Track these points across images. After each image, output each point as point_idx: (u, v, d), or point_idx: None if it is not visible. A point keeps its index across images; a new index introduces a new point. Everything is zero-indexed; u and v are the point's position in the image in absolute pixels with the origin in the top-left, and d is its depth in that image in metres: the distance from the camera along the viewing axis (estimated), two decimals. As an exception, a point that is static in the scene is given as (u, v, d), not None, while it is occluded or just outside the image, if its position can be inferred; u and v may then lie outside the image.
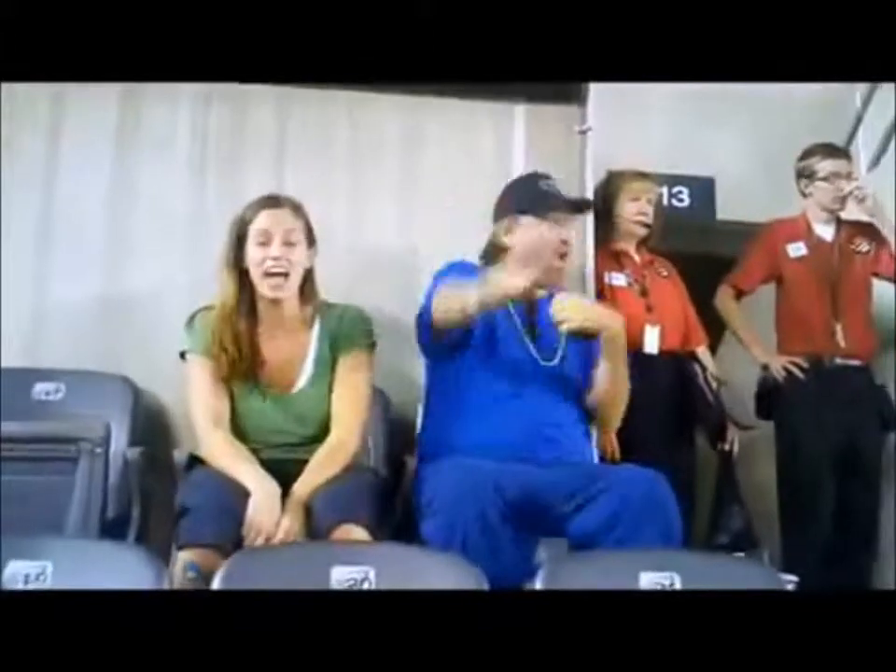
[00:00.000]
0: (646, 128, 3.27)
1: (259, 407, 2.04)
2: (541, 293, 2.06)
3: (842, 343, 2.83)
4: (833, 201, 2.93)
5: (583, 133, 2.82)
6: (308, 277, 2.09)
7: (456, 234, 2.57)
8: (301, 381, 2.06)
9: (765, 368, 2.89)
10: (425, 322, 2.11)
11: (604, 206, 2.87)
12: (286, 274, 2.02)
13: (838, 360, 2.84)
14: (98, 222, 2.68)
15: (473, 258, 2.28)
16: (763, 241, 3.00)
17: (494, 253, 2.23)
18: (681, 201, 3.30)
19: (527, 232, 2.17)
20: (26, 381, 2.39)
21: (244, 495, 1.86)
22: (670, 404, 2.74)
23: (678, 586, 1.60)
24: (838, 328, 2.84)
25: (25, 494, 1.90)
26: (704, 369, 2.79)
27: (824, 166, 2.92)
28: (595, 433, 2.32)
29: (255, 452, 2.00)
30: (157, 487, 2.15)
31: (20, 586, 1.47)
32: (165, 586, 1.54)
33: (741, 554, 2.41)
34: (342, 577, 1.54)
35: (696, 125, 3.30)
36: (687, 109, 3.27)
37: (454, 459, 1.93)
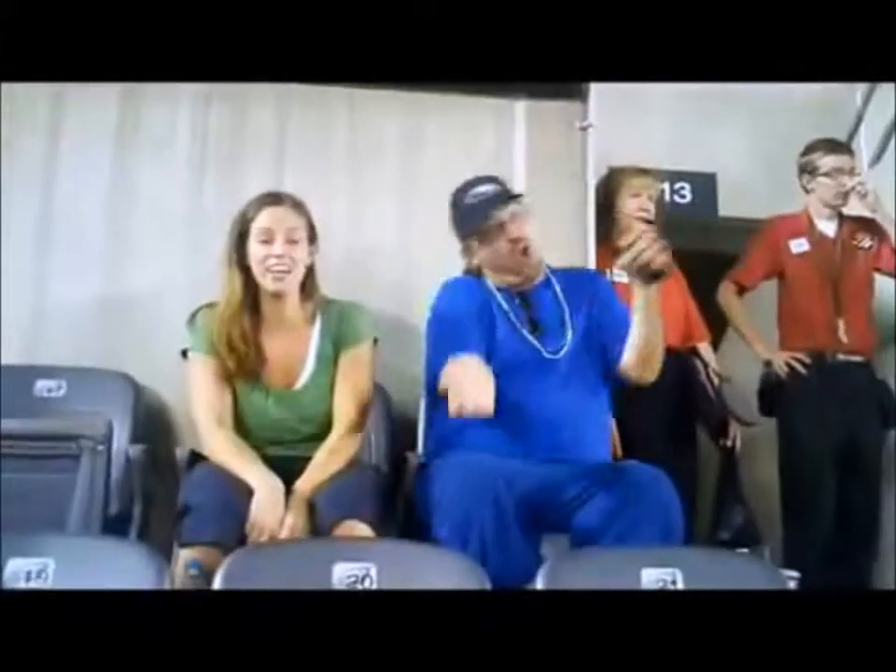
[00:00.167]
0: (647, 124, 3.27)
1: (262, 404, 2.04)
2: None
3: (844, 339, 2.83)
4: (836, 196, 2.93)
5: (584, 129, 2.82)
6: (309, 274, 2.10)
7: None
8: (304, 377, 2.06)
9: (768, 364, 2.89)
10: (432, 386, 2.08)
11: (605, 203, 2.87)
12: (288, 271, 2.02)
13: (840, 356, 2.83)
14: (98, 222, 2.68)
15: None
16: (765, 237, 2.99)
17: (473, 273, 2.23)
18: (683, 197, 3.30)
19: (482, 252, 2.18)
20: (27, 378, 2.40)
21: (246, 492, 1.86)
22: (672, 401, 2.74)
23: (680, 583, 1.60)
24: (840, 323, 2.84)
25: (26, 491, 1.91)
26: (706, 365, 2.79)
27: (826, 162, 2.92)
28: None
29: (258, 449, 2.00)
30: (158, 485, 2.16)
31: (21, 583, 1.47)
32: (167, 583, 1.54)
33: (743, 551, 2.41)
34: (343, 574, 1.54)
35: (698, 121, 3.30)
36: (689, 105, 3.27)
37: (460, 457, 1.93)
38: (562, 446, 2.03)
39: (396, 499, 2.05)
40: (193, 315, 2.09)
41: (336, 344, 2.08)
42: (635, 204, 2.88)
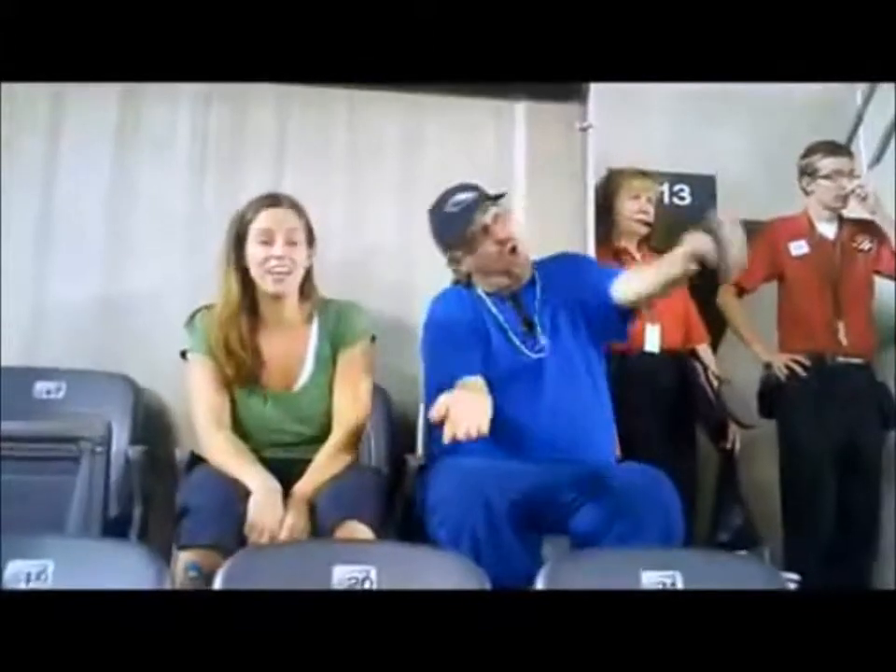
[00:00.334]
0: (647, 126, 3.26)
1: (261, 407, 2.04)
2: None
3: (844, 342, 2.83)
4: (836, 199, 2.93)
5: (584, 130, 2.82)
6: (307, 276, 2.09)
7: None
8: (302, 379, 2.06)
9: (767, 366, 2.89)
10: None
11: (605, 204, 2.87)
12: (288, 273, 2.02)
13: (840, 358, 2.83)
14: (98, 222, 2.68)
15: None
16: (765, 239, 2.99)
17: (463, 280, 2.23)
18: (682, 199, 3.29)
19: (469, 259, 2.17)
20: (27, 380, 2.39)
21: (244, 494, 1.86)
22: (671, 403, 2.74)
23: (679, 585, 1.60)
24: (840, 326, 2.83)
25: (26, 493, 1.91)
26: (705, 367, 2.79)
27: (826, 164, 2.92)
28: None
29: (257, 452, 2.00)
30: (158, 486, 2.15)
31: (21, 585, 1.47)
32: (167, 585, 1.54)
33: (742, 553, 2.41)
34: (343, 576, 1.54)
35: (697, 123, 3.29)
36: (688, 107, 3.27)
37: (454, 461, 1.93)
38: (562, 448, 2.02)
39: (395, 501, 2.05)
40: (192, 317, 2.08)
41: (334, 344, 2.08)
42: (634, 206, 2.89)
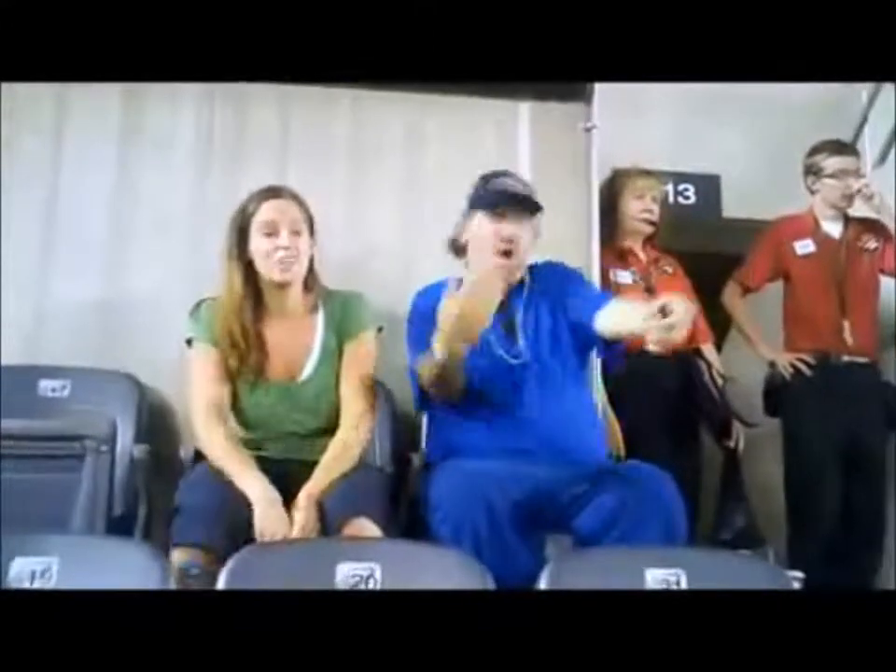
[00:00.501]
0: (651, 125, 3.27)
1: (266, 398, 2.03)
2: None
3: (849, 341, 2.83)
4: (841, 198, 2.93)
5: (588, 130, 2.82)
6: (311, 266, 2.10)
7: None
8: (308, 370, 2.05)
9: (772, 365, 2.89)
10: (416, 384, 2.10)
11: (609, 204, 2.87)
12: (295, 262, 2.02)
13: (845, 357, 2.83)
14: (101, 221, 2.68)
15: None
16: (770, 238, 2.99)
17: (455, 250, 2.26)
18: (687, 198, 3.30)
19: (472, 229, 2.20)
20: (31, 378, 2.40)
21: (239, 495, 1.85)
22: (675, 402, 2.74)
23: (684, 583, 1.60)
24: (846, 325, 2.83)
25: (31, 491, 1.90)
26: (709, 366, 2.79)
27: (832, 163, 2.92)
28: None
29: (259, 449, 2.00)
30: (162, 485, 2.15)
31: (26, 583, 1.48)
32: (171, 583, 1.54)
33: (745, 552, 2.40)
34: (347, 573, 1.54)
35: (702, 123, 3.29)
36: (692, 107, 3.27)
37: (455, 463, 1.94)
38: (544, 449, 2.02)
39: (399, 500, 2.04)
40: (197, 306, 2.08)
41: (339, 335, 2.08)
42: (638, 206, 2.89)
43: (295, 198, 2.08)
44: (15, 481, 1.89)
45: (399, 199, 2.79)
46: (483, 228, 2.18)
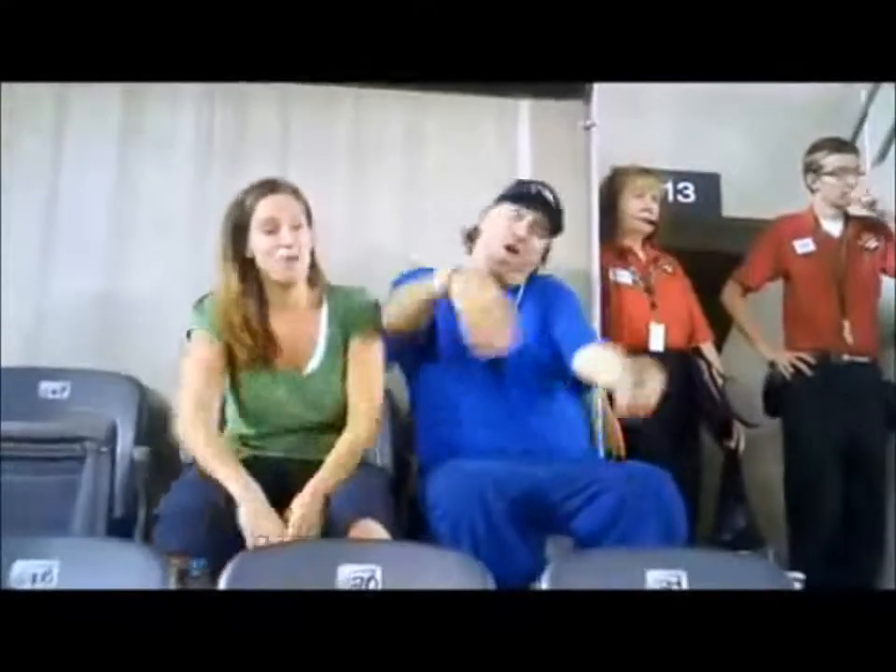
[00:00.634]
0: (651, 124, 3.26)
1: (272, 388, 2.00)
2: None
3: (849, 340, 2.83)
4: (841, 196, 2.92)
5: (588, 129, 2.82)
6: (313, 260, 2.05)
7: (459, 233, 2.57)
8: (314, 362, 2.02)
9: (772, 364, 2.89)
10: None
11: (608, 203, 2.87)
12: (297, 259, 1.98)
13: (845, 357, 2.83)
14: (101, 221, 2.68)
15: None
16: (769, 238, 2.99)
17: (468, 235, 2.31)
18: (687, 197, 3.29)
19: (490, 216, 2.25)
20: (31, 379, 2.40)
21: (223, 500, 1.81)
22: (675, 401, 2.71)
23: (684, 584, 1.60)
24: (846, 324, 2.83)
25: (31, 493, 1.90)
26: (709, 365, 2.79)
27: (831, 161, 2.91)
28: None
29: (263, 441, 2.00)
30: (163, 487, 2.15)
31: (27, 585, 1.48)
32: (171, 585, 1.53)
33: (746, 552, 2.40)
34: (348, 575, 1.54)
35: (702, 121, 3.29)
36: (692, 105, 3.27)
37: (451, 464, 1.94)
38: (541, 441, 2.06)
39: (401, 501, 2.04)
40: (201, 300, 2.04)
41: (344, 329, 2.05)
42: (638, 205, 2.89)
43: (293, 191, 2.03)
44: (15, 483, 1.89)
45: (400, 198, 2.79)
46: (500, 218, 2.22)
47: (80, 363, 2.47)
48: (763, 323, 2.99)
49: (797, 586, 1.92)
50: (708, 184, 3.30)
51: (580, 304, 2.39)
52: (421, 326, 2.11)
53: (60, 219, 2.67)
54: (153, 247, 2.66)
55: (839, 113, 3.24)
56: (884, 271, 2.95)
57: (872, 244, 2.94)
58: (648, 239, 2.93)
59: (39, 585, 1.48)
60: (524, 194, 2.23)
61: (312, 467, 1.92)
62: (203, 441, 1.91)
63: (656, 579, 1.61)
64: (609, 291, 2.76)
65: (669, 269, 2.92)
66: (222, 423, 2.21)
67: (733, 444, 2.73)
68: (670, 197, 3.22)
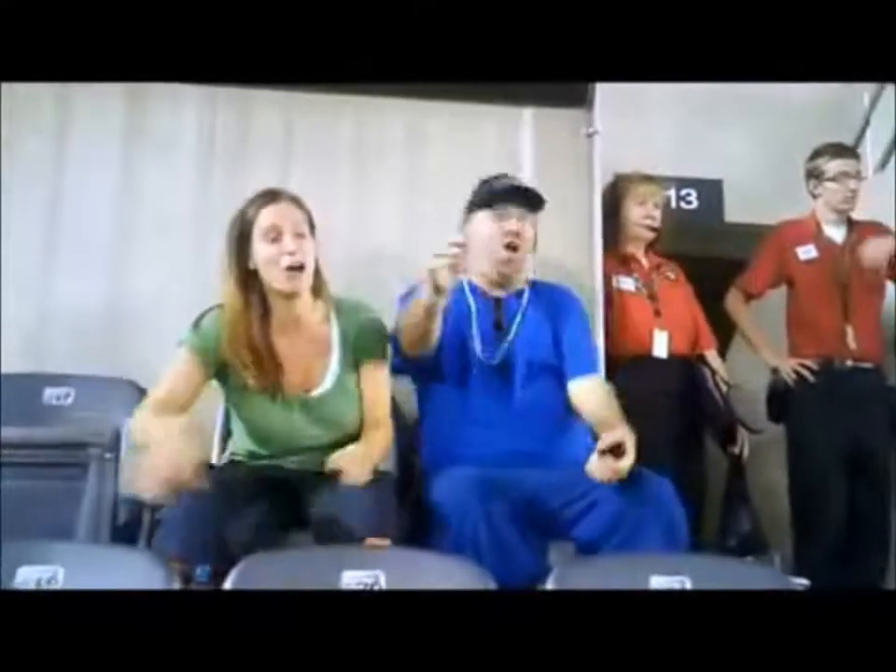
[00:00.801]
0: (653, 131, 3.27)
1: (282, 411, 1.98)
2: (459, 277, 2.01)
3: (852, 346, 2.82)
4: (843, 201, 2.92)
5: (590, 136, 2.82)
6: (316, 269, 2.03)
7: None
8: (326, 384, 2.01)
9: (775, 371, 2.88)
10: (395, 346, 2.14)
11: (611, 210, 2.87)
12: (301, 268, 1.95)
13: (848, 362, 2.83)
14: (104, 223, 2.69)
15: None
16: (772, 245, 2.99)
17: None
18: (689, 203, 3.30)
19: (474, 227, 2.25)
20: (36, 386, 2.40)
21: (224, 509, 1.80)
22: (679, 408, 2.73)
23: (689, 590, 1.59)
24: (849, 330, 2.83)
25: (35, 499, 1.90)
26: (713, 372, 2.78)
27: (832, 166, 2.92)
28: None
29: (277, 457, 1.99)
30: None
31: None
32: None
33: (750, 558, 2.40)
34: (352, 581, 1.54)
35: (704, 128, 3.30)
36: (694, 112, 3.28)
37: (453, 470, 1.95)
38: (542, 447, 2.07)
39: (405, 506, 2.04)
40: (201, 317, 2.02)
41: (356, 354, 2.04)
42: (640, 212, 2.89)
43: (294, 200, 2.02)
44: (19, 489, 1.88)
45: (402, 201, 2.79)
46: (487, 222, 2.23)
47: (82, 366, 2.47)
48: (767, 329, 2.98)
49: (801, 592, 1.91)
50: (711, 190, 3.30)
51: (587, 317, 2.40)
52: (433, 344, 2.09)
53: (62, 221, 2.68)
54: (155, 249, 2.66)
55: (842, 120, 3.25)
56: (888, 277, 2.95)
57: (875, 249, 2.94)
58: (650, 246, 2.93)
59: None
60: (497, 192, 2.24)
61: (323, 478, 1.91)
62: (142, 417, 1.89)
63: (660, 584, 1.60)
64: (613, 298, 2.76)
65: (672, 275, 2.92)
66: (225, 438, 2.22)
67: (737, 450, 2.72)
68: (673, 203, 3.23)
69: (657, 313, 2.80)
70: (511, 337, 2.18)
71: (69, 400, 2.39)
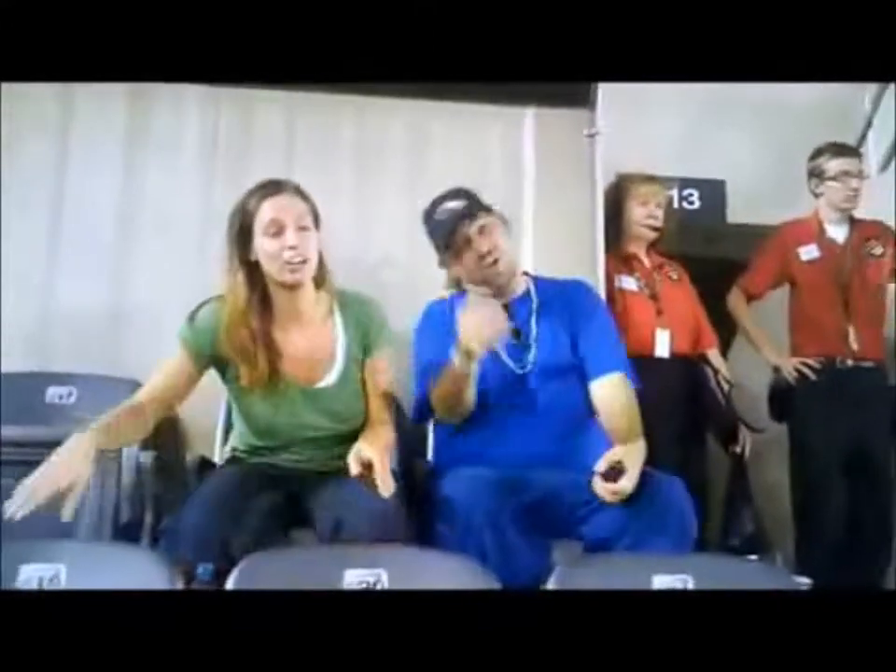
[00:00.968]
0: (656, 131, 3.27)
1: (283, 403, 1.96)
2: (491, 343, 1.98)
3: (854, 346, 2.82)
4: (845, 199, 2.92)
5: (592, 136, 2.83)
6: (321, 262, 1.99)
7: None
8: (331, 376, 1.99)
9: (777, 370, 2.88)
10: (424, 412, 2.13)
11: (613, 210, 2.87)
12: (304, 262, 1.91)
13: (850, 362, 2.83)
14: (107, 223, 2.69)
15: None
16: (774, 245, 2.99)
17: (454, 284, 2.29)
18: (692, 203, 3.30)
19: (455, 266, 2.22)
20: (39, 385, 2.41)
21: (229, 513, 1.79)
22: (681, 407, 2.73)
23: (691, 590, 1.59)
24: (851, 330, 2.83)
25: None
26: (715, 371, 2.78)
27: (834, 165, 2.91)
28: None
29: (275, 452, 1.99)
30: (169, 491, 2.15)
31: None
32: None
33: (753, 557, 2.40)
34: (354, 580, 1.54)
35: (707, 128, 3.30)
36: (697, 112, 3.28)
37: (460, 470, 1.94)
38: (561, 452, 2.05)
39: (409, 506, 2.04)
40: (196, 310, 1.99)
41: (362, 346, 2.03)
42: (643, 212, 2.89)
43: (298, 191, 1.97)
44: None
45: (405, 203, 2.79)
46: (461, 259, 2.18)
47: (85, 365, 2.48)
48: (769, 329, 2.99)
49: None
50: (713, 190, 3.30)
51: (606, 309, 2.36)
52: (472, 408, 2.07)
53: (64, 221, 2.68)
54: (157, 249, 2.67)
55: (844, 121, 3.25)
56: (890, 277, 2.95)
57: (877, 250, 2.94)
58: (653, 246, 2.93)
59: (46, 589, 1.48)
60: (448, 230, 2.16)
61: (325, 477, 1.91)
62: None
63: (662, 584, 1.60)
64: (615, 298, 2.76)
65: (674, 275, 2.92)
66: (227, 430, 2.22)
67: (739, 449, 2.72)
68: (675, 203, 3.23)
69: (659, 312, 2.80)
70: (530, 342, 2.16)
71: (72, 399, 2.40)
